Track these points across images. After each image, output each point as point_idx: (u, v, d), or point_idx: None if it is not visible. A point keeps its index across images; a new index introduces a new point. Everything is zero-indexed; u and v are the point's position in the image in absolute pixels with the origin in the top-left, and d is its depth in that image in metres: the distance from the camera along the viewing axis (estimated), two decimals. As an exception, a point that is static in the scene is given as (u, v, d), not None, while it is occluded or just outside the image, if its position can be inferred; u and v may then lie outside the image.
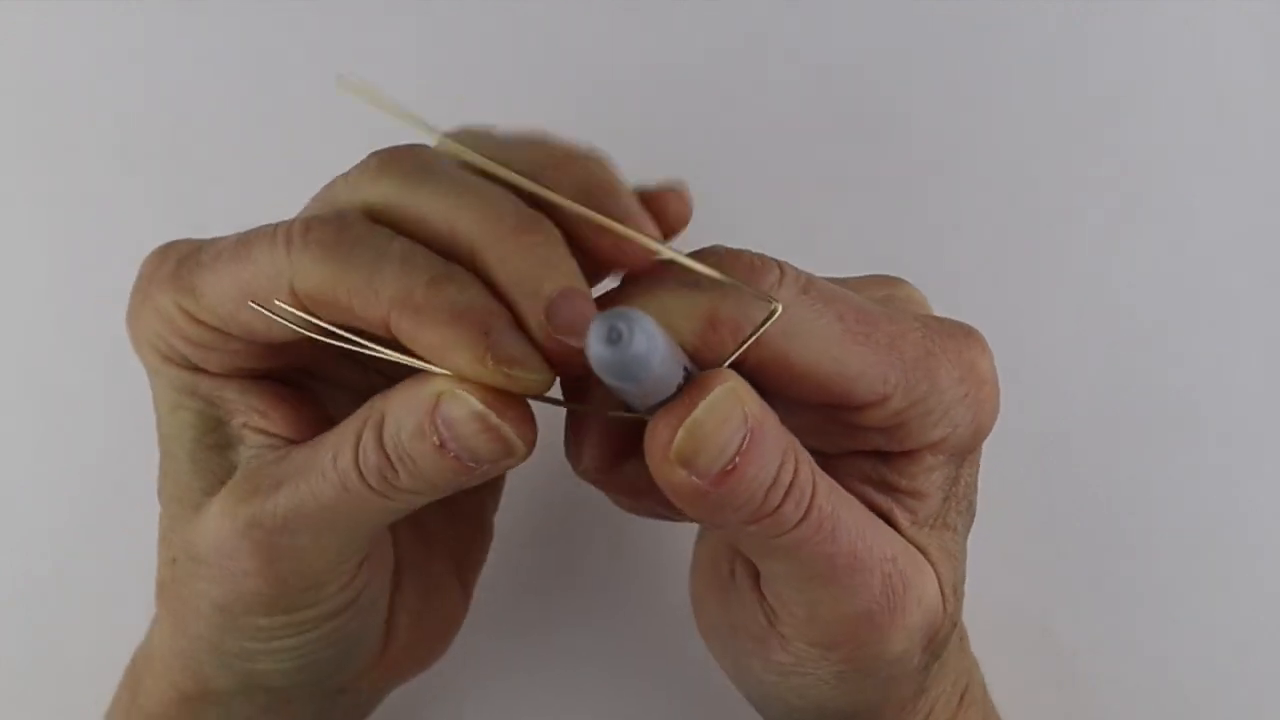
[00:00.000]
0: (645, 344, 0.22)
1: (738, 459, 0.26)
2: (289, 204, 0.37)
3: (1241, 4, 0.44)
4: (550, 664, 0.42)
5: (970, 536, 0.32)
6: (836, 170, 0.44)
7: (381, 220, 0.28)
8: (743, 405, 0.26)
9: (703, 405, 0.25)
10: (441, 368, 0.26)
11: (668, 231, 0.29)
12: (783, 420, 0.27)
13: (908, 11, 0.44)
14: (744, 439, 0.26)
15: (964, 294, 0.37)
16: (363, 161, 0.29)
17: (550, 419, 0.38)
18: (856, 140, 0.44)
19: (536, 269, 0.26)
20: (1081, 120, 0.44)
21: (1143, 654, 0.42)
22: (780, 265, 0.28)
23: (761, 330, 0.26)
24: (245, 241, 0.28)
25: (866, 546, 0.28)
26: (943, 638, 0.31)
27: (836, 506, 0.28)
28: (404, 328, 0.26)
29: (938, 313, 0.31)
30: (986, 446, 0.31)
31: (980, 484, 0.32)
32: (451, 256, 0.27)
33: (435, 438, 0.26)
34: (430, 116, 0.31)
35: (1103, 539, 0.42)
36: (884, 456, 0.30)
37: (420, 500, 0.28)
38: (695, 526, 0.36)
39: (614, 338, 0.22)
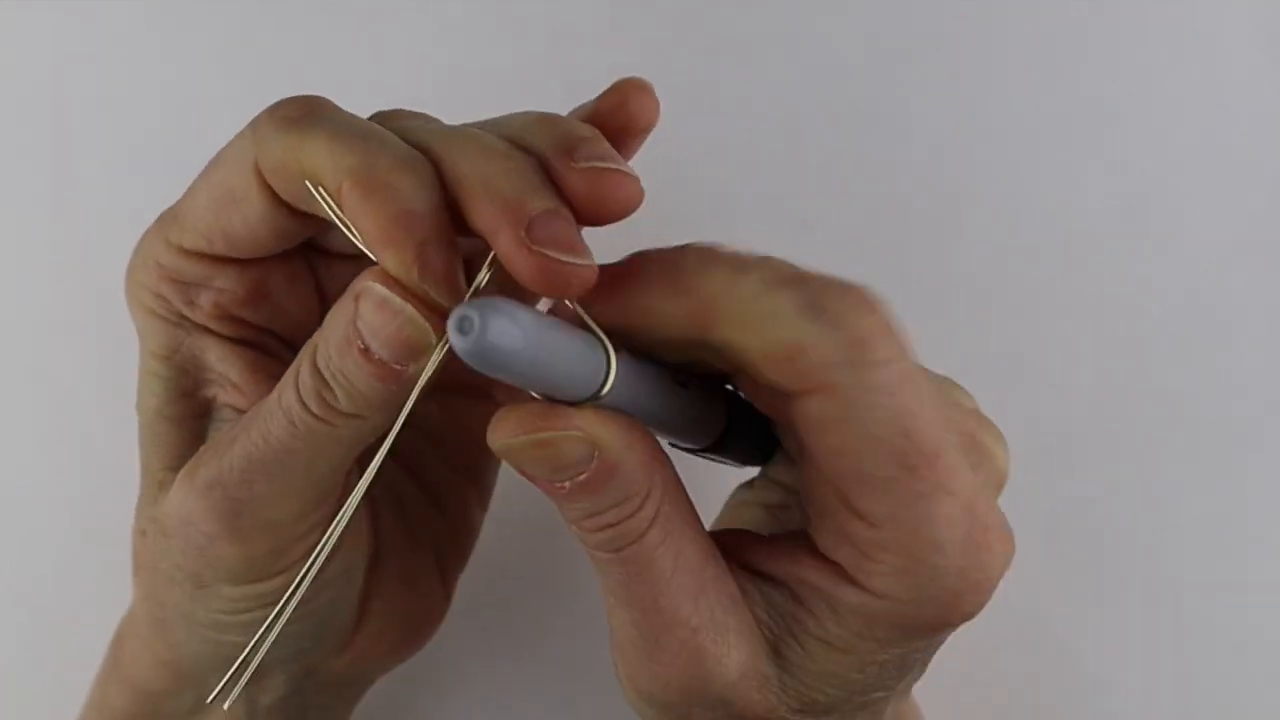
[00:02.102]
0: (504, 336, 0.23)
1: (567, 485, 0.26)
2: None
3: (1241, 4, 0.44)
4: (547, 671, 0.42)
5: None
6: (836, 170, 0.44)
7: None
8: (590, 448, 0.26)
9: (525, 438, 0.26)
10: (371, 254, 0.26)
11: (641, 127, 0.29)
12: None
13: (908, 11, 0.44)
14: (581, 474, 0.26)
15: (964, 294, 0.38)
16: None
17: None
18: (856, 140, 0.44)
19: (522, 190, 0.26)
20: (1081, 120, 0.44)
21: (1143, 654, 0.42)
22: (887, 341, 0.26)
23: (435, 365, 0.26)
24: (221, 151, 0.29)
25: (669, 605, 0.28)
26: None
27: (660, 560, 0.27)
28: (350, 203, 0.26)
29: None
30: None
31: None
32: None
33: (359, 342, 0.26)
34: (433, 111, 0.31)
35: (1103, 539, 0.42)
36: (839, 574, 0.28)
37: (364, 427, 0.28)
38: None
39: (465, 328, 0.23)
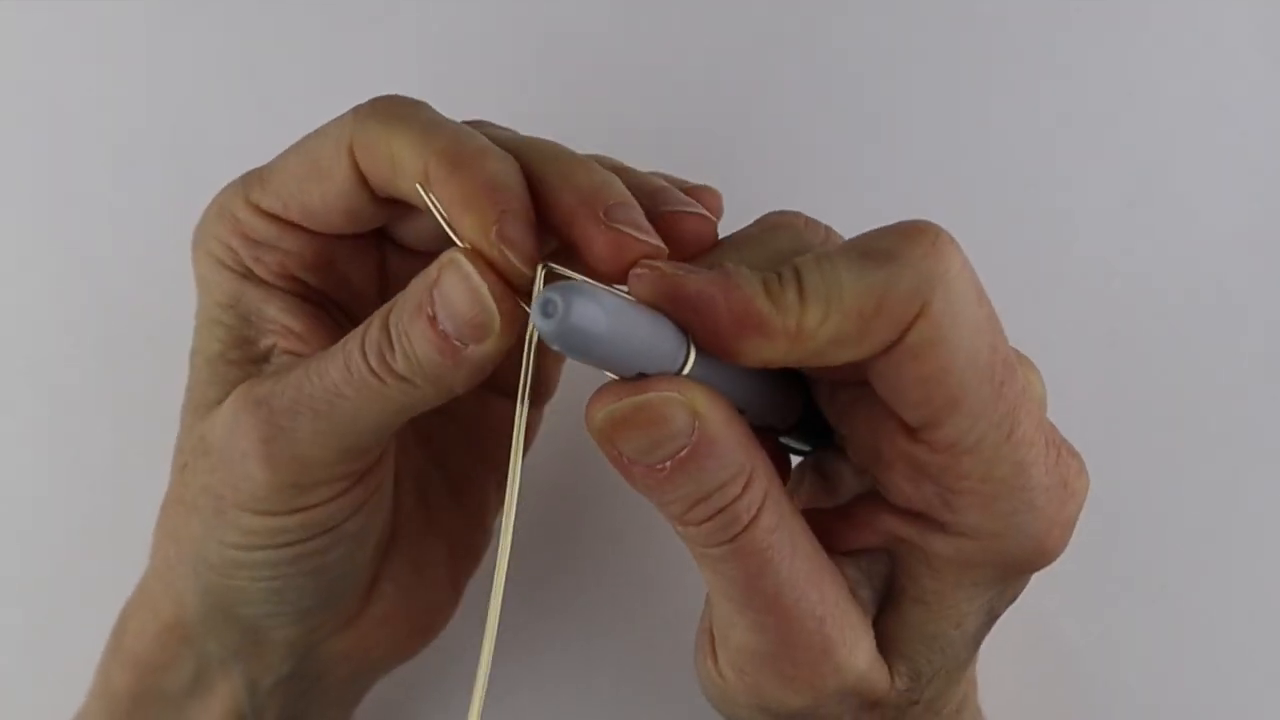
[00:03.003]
0: (586, 318, 0.23)
1: (668, 464, 0.26)
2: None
3: (1241, 4, 0.44)
4: (554, 672, 0.42)
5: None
6: (835, 169, 0.44)
7: None
8: (691, 416, 0.26)
9: (629, 400, 0.26)
10: (454, 229, 0.28)
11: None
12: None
13: (908, 11, 0.44)
14: (682, 448, 0.26)
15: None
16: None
17: (555, 431, 0.38)
18: (855, 139, 0.44)
19: (601, 183, 0.28)
20: (1081, 120, 0.44)
21: (1143, 654, 0.42)
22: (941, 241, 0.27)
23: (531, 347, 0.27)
24: (317, 130, 0.31)
25: (794, 598, 0.28)
26: (891, 708, 0.30)
27: (777, 546, 0.27)
28: (438, 174, 0.27)
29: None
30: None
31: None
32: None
33: (429, 309, 0.27)
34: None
35: (1103, 539, 0.42)
36: (925, 523, 0.29)
37: (412, 396, 0.28)
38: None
39: (549, 310, 0.23)
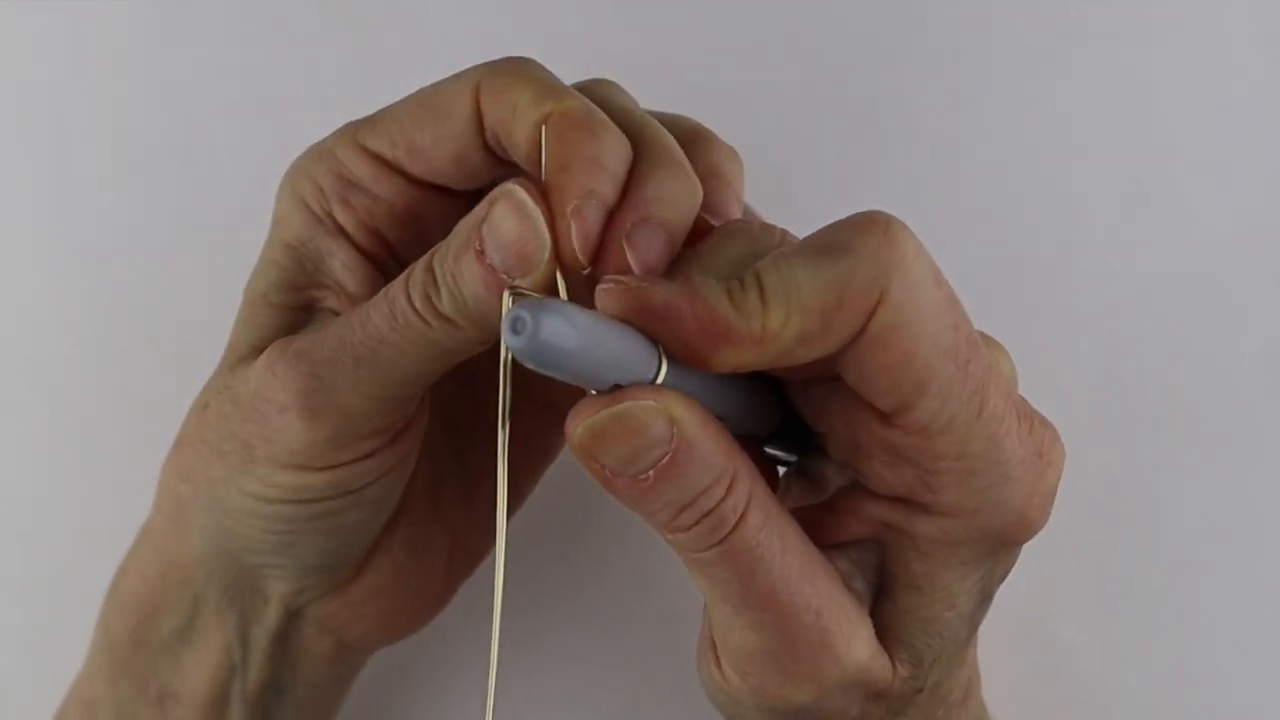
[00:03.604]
0: (556, 334, 0.24)
1: (651, 473, 0.26)
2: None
3: (1241, 4, 0.44)
4: (554, 670, 0.42)
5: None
6: (835, 170, 0.44)
7: None
8: (668, 423, 0.26)
9: (606, 412, 0.26)
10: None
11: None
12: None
13: (908, 11, 0.44)
14: (663, 455, 0.26)
15: (963, 294, 0.37)
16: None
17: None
18: (855, 139, 0.44)
19: (686, 212, 0.29)
20: (1081, 120, 0.44)
21: (1143, 654, 0.42)
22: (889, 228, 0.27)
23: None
24: (431, 85, 0.31)
25: (789, 594, 0.28)
26: (896, 697, 0.30)
27: (766, 544, 0.27)
28: (554, 129, 0.28)
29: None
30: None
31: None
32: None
33: (478, 244, 0.28)
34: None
35: (1103, 539, 0.42)
36: (908, 507, 0.29)
37: (456, 339, 0.29)
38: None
39: (518, 328, 0.24)
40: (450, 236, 0.29)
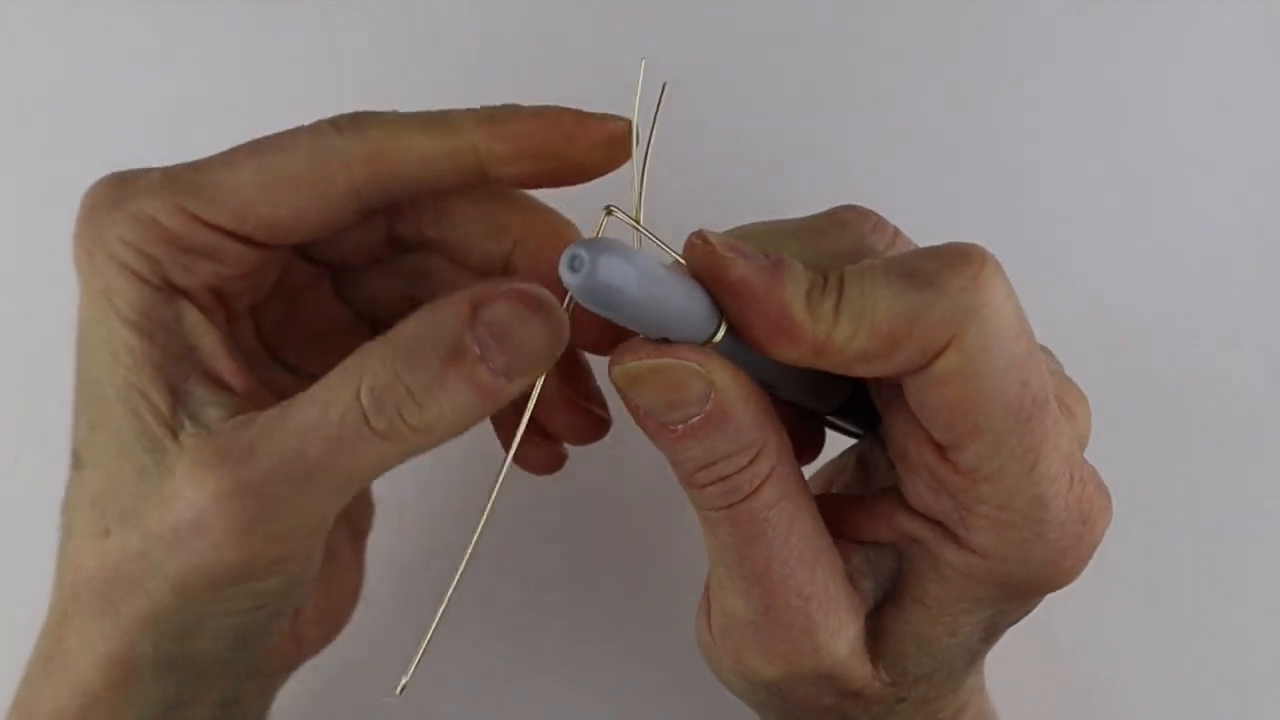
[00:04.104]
0: (615, 275, 0.23)
1: (680, 427, 0.26)
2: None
3: (1241, 4, 0.44)
4: (550, 663, 0.42)
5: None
6: (834, 170, 0.44)
7: None
8: (707, 387, 0.26)
9: (647, 362, 0.26)
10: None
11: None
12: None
13: (908, 10, 0.44)
14: (696, 415, 0.26)
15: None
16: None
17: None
18: (855, 139, 0.44)
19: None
20: (1081, 120, 0.44)
21: (1143, 654, 0.42)
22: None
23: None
24: (269, 140, 0.29)
25: (782, 573, 0.28)
26: (875, 701, 0.30)
27: (774, 521, 0.28)
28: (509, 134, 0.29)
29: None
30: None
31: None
32: None
33: (475, 349, 0.26)
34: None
35: (1103, 539, 0.42)
36: (939, 531, 0.29)
37: (425, 445, 0.27)
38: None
39: (575, 265, 0.23)
40: (416, 341, 0.26)
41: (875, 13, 0.44)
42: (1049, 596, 0.40)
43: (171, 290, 0.29)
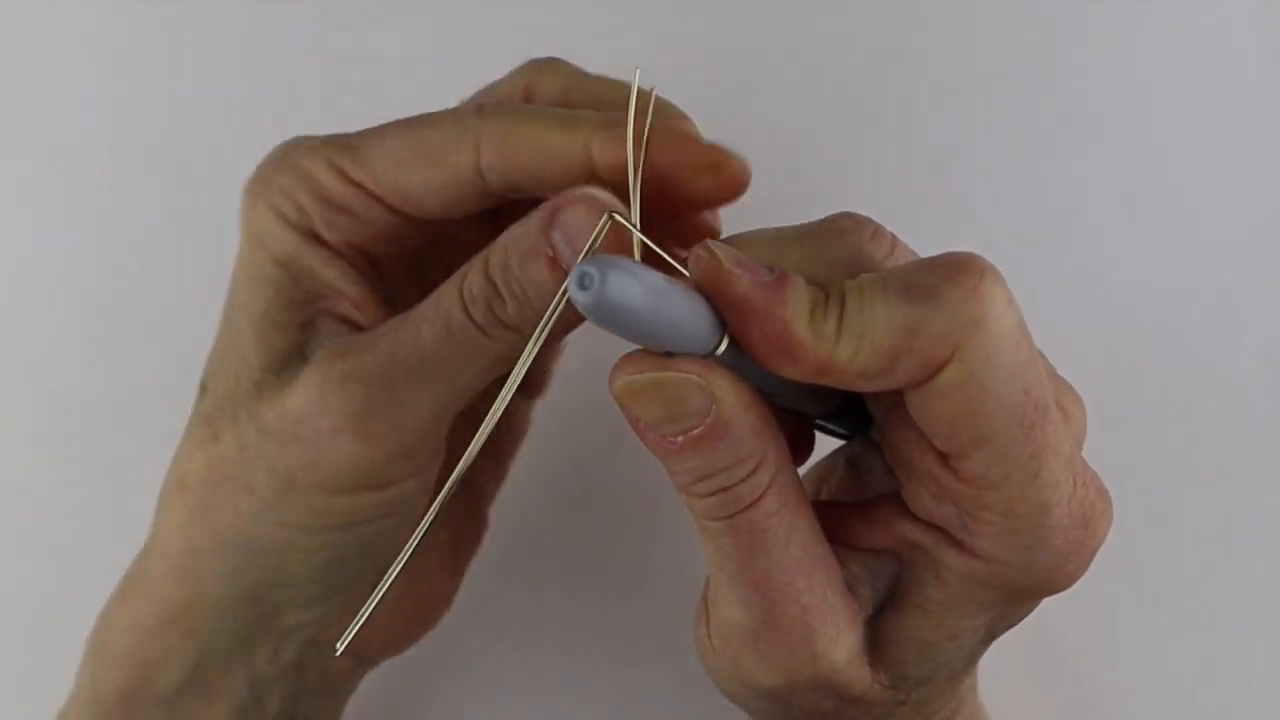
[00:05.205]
0: (625, 293, 0.23)
1: (680, 439, 0.26)
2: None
3: (1241, 4, 0.44)
4: (552, 663, 0.42)
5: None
6: (834, 170, 0.44)
7: None
8: (708, 399, 0.26)
9: (649, 375, 0.26)
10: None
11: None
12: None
13: (907, 10, 0.44)
14: (696, 427, 0.26)
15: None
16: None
17: (545, 424, 0.38)
18: (854, 139, 0.44)
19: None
20: (1081, 120, 0.44)
21: (1143, 654, 0.42)
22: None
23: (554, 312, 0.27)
24: (421, 116, 0.31)
25: (781, 582, 0.28)
26: (875, 705, 0.30)
27: (774, 530, 0.27)
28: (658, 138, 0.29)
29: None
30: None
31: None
32: None
33: (548, 251, 0.27)
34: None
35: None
36: (941, 537, 0.29)
37: (514, 346, 0.28)
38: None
39: (586, 283, 0.23)
40: (505, 242, 0.28)
41: (874, 13, 0.44)
42: (1049, 598, 0.40)
43: (318, 241, 0.31)
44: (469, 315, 0.28)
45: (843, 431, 0.32)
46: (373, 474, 0.30)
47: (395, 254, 0.32)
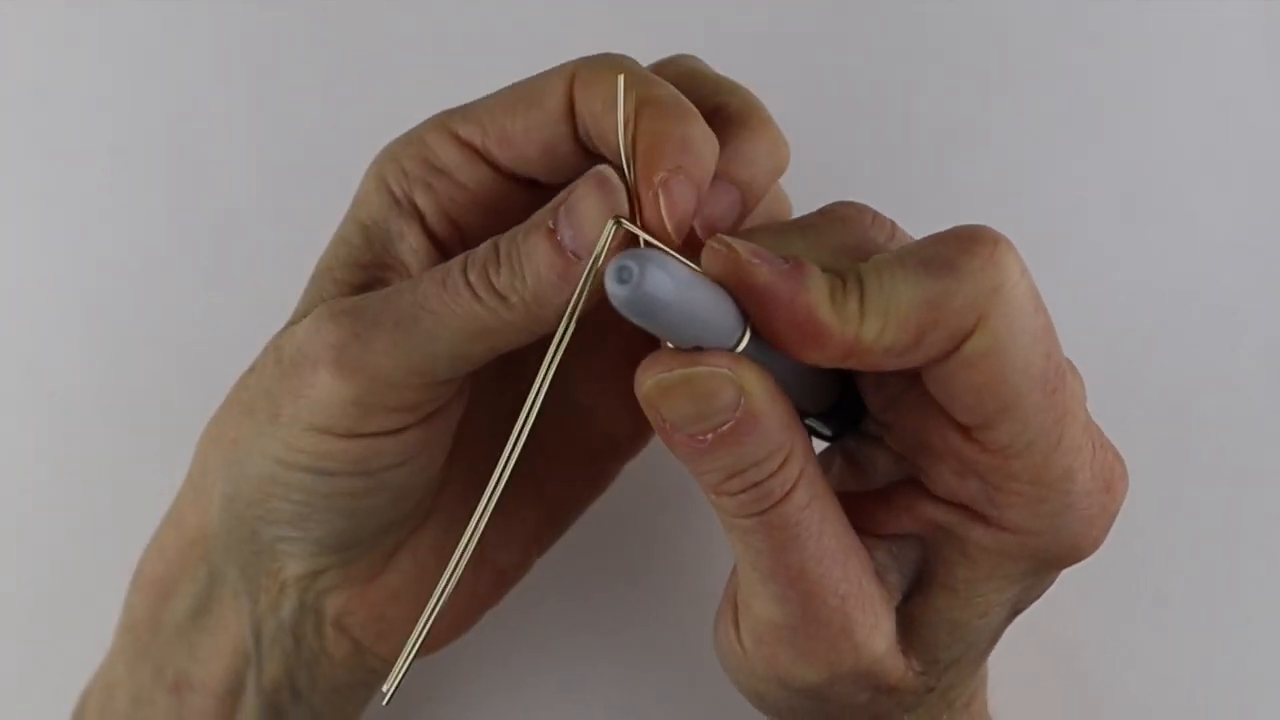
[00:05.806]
0: (660, 287, 0.23)
1: (709, 436, 0.26)
2: (290, 202, 0.37)
3: (1242, 4, 0.44)
4: (552, 663, 0.42)
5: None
6: (834, 170, 0.44)
7: None
8: (737, 393, 0.26)
9: (679, 372, 0.26)
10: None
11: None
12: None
13: (907, 9, 0.44)
14: (725, 423, 0.26)
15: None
16: None
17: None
18: (854, 139, 0.44)
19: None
20: (1082, 120, 0.44)
21: (1143, 654, 0.42)
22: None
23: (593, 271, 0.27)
24: (529, 77, 0.31)
25: (818, 574, 0.28)
26: (908, 693, 0.30)
27: (806, 523, 0.27)
28: (648, 116, 0.28)
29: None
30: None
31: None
32: None
33: (549, 223, 0.27)
34: (431, 112, 0.31)
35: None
36: (966, 514, 0.29)
37: (503, 320, 0.28)
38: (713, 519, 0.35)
39: (624, 277, 0.23)
40: (522, 224, 0.29)
41: (874, 12, 0.44)
42: (1048, 596, 0.40)
43: (411, 210, 0.32)
44: (464, 274, 0.28)
45: (827, 432, 0.33)
46: (343, 415, 0.30)
47: (484, 230, 0.32)
